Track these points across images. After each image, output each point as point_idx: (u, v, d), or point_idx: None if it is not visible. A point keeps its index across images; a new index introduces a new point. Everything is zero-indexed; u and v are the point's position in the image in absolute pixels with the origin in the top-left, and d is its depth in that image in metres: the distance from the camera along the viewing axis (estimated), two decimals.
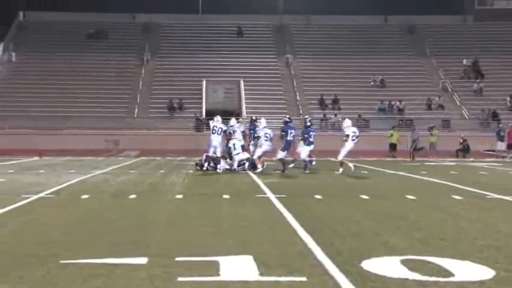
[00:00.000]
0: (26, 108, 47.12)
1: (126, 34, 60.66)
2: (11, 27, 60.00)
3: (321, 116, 47.85)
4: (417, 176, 20.93)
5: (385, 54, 56.31)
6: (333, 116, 47.16)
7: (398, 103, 48.98)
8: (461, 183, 17.62)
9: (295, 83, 53.27)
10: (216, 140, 22.71)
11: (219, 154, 22.52)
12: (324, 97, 50.14)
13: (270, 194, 14.45)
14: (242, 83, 52.26)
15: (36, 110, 46.71)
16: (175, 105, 49.42)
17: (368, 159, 30.12)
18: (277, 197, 13.62)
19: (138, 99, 50.99)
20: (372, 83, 52.43)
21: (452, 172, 23.39)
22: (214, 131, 22.86)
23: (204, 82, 52.47)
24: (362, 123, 44.30)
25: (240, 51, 57.48)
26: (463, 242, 8.40)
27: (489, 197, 14.46)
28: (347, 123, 22.78)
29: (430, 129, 36.86)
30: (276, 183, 17.92)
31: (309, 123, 23.85)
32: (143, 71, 54.99)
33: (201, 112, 48.72)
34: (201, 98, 51.13)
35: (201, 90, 51.98)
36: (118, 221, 10.45)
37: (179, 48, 57.96)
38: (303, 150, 22.35)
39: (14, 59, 55.40)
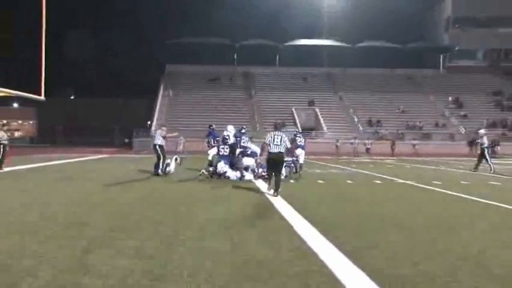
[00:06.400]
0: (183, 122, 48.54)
1: (232, 78, 62.63)
2: (164, 74, 62.03)
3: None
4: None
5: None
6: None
7: None
8: None
9: (350, 110, 55.38)
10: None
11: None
12: (371, 118, 52.52)
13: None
14: (317, 110, 54.48)
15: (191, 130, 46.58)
16: (280, 124, 51.12)
17: None
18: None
19: (256, 119, 52.90)
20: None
21: None
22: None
23: (293, 109, 54.71)
24: None
25: (307, 90, 59.37)
26: None
27: None
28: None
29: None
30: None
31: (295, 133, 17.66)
32: (253, 102, 57.27)
33: (298, 128, 50.76)
34: (294, 119, 53.30)
35: (292, 114, 54.22)
36: None
37: (270, 88, 60.03)
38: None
39: (171, 94, 57.43)
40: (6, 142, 17.51)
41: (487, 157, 19.21)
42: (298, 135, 17.13)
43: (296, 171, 15.03)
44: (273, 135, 10.71)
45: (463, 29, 67.45)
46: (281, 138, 10.63)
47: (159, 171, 15.57)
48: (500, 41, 66.19)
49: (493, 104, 56.70)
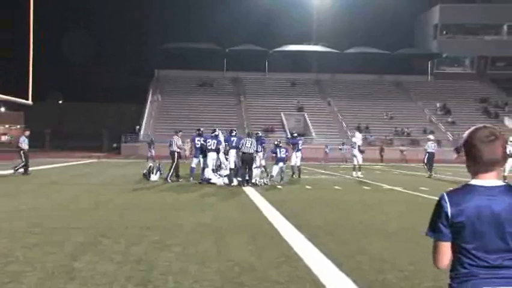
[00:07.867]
0: (172, 127, 47.43)
1: (221, 84, 62.56)
2: (153, 79, 61.79)
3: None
4: None
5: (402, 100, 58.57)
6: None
7: None
8: None
9: (339, 116, 55.41)
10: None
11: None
12: (360, 124, 52.56)
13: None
14: (306, 115, 54.50)
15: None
16: (269, 129, 51.27)
17: None
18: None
19: (245, 125, 52.79)
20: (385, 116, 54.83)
21: None
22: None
23: (282, 114, 54.66)
24: None
25: (295, 95, 59.26)
26: None
27: None
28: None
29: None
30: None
31: (295, 135, 20.53)
32: (242, 107, 57.18)
33: (287, 133, 50.66)
34: (282, 124, 53.19)
35: (281, 119, 54.15)
36: None
37: (259, 93, 59.90)
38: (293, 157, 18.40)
39: (160, 99, 57.21)
40: (26, 148, 17.61)
41: (429, 162, 19.41)
42: (297, 139, 19.03)
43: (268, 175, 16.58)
44: (245, 141, 14.62)
45: (451, 36, 68.07)
46: (251, 143, 14.62)
47: (167, 177, 15.81)
48: (487, 48, 66.89)
49: (480, 111, 57.25)
